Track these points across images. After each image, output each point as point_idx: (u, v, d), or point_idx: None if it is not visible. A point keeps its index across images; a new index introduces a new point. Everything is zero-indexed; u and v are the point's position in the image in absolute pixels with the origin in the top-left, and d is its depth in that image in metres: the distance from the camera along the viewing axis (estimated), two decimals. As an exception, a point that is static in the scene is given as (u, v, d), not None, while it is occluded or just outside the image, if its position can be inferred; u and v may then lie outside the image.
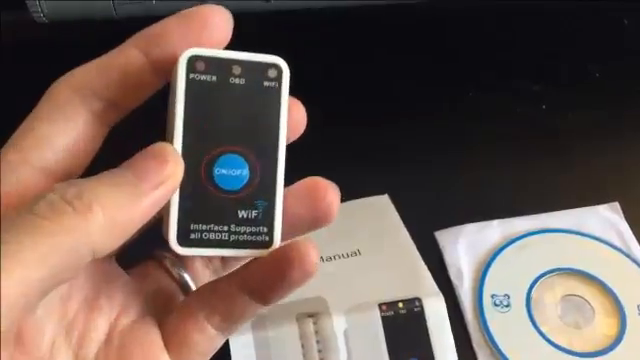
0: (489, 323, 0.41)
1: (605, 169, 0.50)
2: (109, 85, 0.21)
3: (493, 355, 0.40)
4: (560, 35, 0.57)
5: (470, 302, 0.43)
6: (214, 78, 0.21)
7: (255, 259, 0.22)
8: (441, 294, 0.41)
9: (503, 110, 0.53)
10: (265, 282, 0.22)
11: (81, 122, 0.21)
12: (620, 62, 0.56)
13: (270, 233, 0.22)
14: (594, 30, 0.57)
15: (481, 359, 0.40)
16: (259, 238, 0.22)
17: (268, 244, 0.22)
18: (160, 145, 0.20)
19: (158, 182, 0.19)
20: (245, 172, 0.21)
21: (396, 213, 0.46)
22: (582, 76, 0.56)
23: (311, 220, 0.22)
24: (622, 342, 0.41)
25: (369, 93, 0.53)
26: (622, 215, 0.47)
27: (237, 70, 0.21)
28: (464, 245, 0.45)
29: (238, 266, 0.23)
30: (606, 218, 0.47)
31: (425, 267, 0.42)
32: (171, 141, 0.21)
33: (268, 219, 0.22)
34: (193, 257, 0.25)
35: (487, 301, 0.42)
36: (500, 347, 0.40)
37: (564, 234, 0.46)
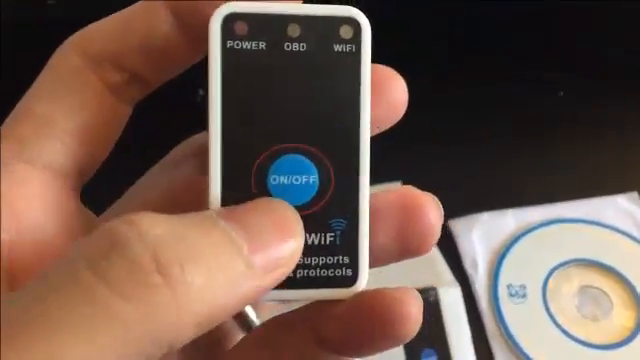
0: (504, 313, 0.41)
1: (624, 158, 0.49)
2: (130, 51, 0.16)
3: (508, 346, 0.40)
4: (578, 23, 0.56)
5: (485, 292, 0.42)
6: (262, 45, 0.15)
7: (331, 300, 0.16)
8: (457, 283, 0.40)
9: (519, 99, 0.52)
10: (342, 336, 0.16)
11: (95, 98, 0.16)
12: (638, 49, 0.55)
13: (353, 265, 0.16)
14: (612, 18, 0.56)
15: (496, 350, 0.40)
16: (338, 272, 0.16)
17: (351, 281, 0.16)
18: (281, 205, 0.15)
19: (274, 265, 0.14)
20: (314, 179, 0.15)
21: (409, 201, 0.45)
22: (601, 65, 0.54)
23: (401, 248, 0.16)
24: (640, 334, 0.40)
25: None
26: (641, 205, 0.46)
27: (295, 31, 0.15)
28: (479, 234, 0.45)
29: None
30: (624, 208, 0.46)
31: (440, 256, 0.42)
32: (210, 129, 0.15)
33: (349, 245, 0.16)
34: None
35: (503, 291, 0.42)
36: (515, 338, 0.40)
37: (581, 224, 0.45)
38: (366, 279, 0.16)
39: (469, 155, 0.49)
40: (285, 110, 0.15)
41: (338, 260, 0.16)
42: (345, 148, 0.15)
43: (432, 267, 0.41)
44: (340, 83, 0.15)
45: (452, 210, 0.46)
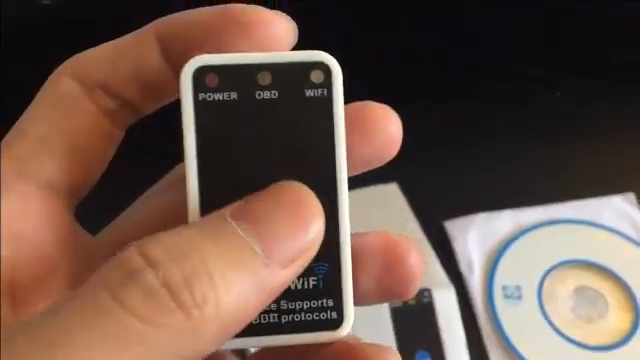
0: (500, 315, 0.41)
1: (620, 159, 0.49)
2: (122, 81, 0.16)
3: (503, 347, 0.39)
4: (577, 21, 0.56)
5: (480, 293, 0.42)
6: (234, 95, 0.15)
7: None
8: (451, 285, 0.40)
9: (517, 98, 0.52)
10: None
11: (88, 121, 0.16)
12: (638, 50, 0.55)
13: (338, 307, 0.16)
14: (613, 17, 0.56)
15: (491, 351, 0.39)
16: (323, 315, 0.16)
17: (337, 323, 0.16)
18: (297, 187, 0.15)
19: (292, 256, 0.14)
20: None
21: (405, 202, 0.45)
22: (599, 64, 0.54)
23: (383, 293, 0.16)
24: (636, 335, 0.40)
25: (379, 79, 0.52)
26: (637, 206, 0.46)
27: (265, 79, 0.15)
28: (475, 235, 0.44)
29: None
30: (621, 209, 0.46)
31: (435, 257, 0.42)
32: (187, 187, 0.15)
33: (333, 288, 0.16)
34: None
35: (498, 292, 0.42)
36: (510, 339, 0.40)
37: (577, 225, 0.45)
38: (352, 320, 0.16)
39: (465, 156, 0.49)
40: (260, 158, 0.15)
41: (322, 303, 0.16)
42: (323, 192, 0.15)
43: (426, 268, 0.41)
44: (314, 127, 0.15)
45: (448, 211, 0.46)
